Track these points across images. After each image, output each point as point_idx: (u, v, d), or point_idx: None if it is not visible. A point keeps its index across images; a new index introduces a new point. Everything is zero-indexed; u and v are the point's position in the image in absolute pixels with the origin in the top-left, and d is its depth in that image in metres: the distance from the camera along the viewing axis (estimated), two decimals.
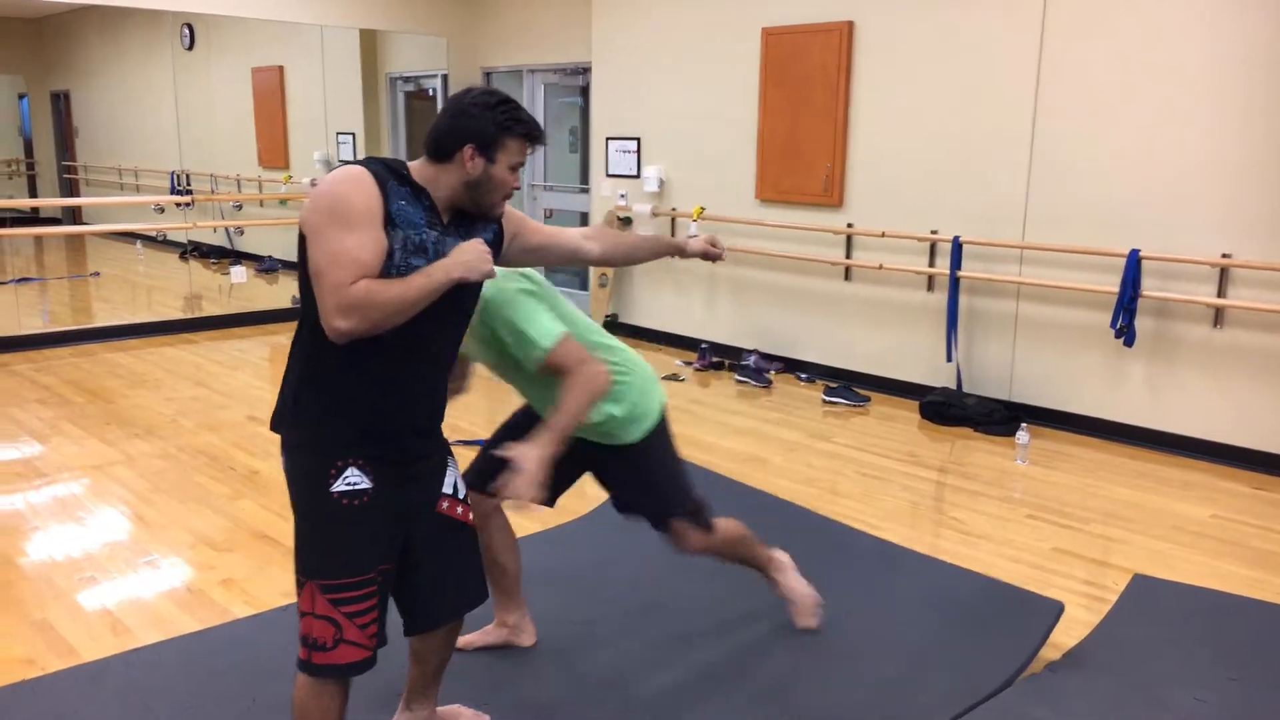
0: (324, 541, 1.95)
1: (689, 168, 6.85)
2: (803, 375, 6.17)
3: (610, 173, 7.36)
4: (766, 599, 3.18)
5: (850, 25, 5.74)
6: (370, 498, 1.94)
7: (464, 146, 1.94)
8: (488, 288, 2.28)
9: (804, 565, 3.39)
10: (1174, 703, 2.59)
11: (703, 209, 6.67)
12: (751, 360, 6.19)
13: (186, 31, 11.45)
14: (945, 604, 3.14)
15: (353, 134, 9.52)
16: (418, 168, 1.97)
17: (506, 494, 2.07)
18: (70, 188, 15.29)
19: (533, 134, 2.01)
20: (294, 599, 2.02)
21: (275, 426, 2.01)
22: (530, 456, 2.11)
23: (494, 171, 1.97)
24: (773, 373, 6.18)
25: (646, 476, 2.68)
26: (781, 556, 3.01)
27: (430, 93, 9.05)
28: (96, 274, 10.53)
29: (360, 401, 1.93)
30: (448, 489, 2.14)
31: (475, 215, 2.03)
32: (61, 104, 15.52)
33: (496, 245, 2.11)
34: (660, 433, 2.64)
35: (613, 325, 7.45)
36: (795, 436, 5.04)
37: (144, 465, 4.50)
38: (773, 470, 4.49)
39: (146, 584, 3.33)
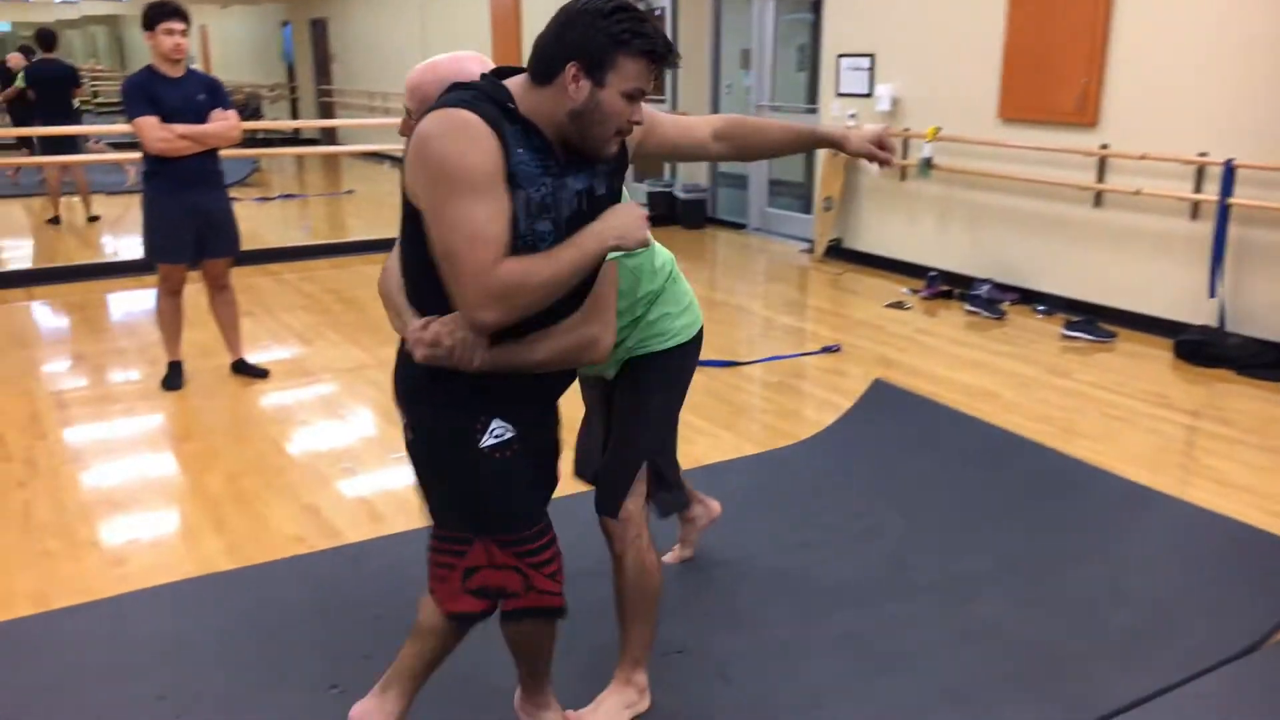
0: (487, 499, 1.81)
1: (925, 86, 6.52)
2: (1040, 307, 5.82)
3: (840, 92, 7.12)
4: (996, 532, 3.08)
5: None
6: (517, 444, 1.79)
7: (567, 65, 1.58)
8: None
9: (1036, 503, 3.26)
10: None
11: (938, 129, 6.35)
12: (984, 290, 5.90)
13: None
14: (1193, 551, 2.93)
15: None
16: (520, 93, 1.63)
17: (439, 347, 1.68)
18: (326, 110, 16.46)
19: (657, 51, 1.61)
20: None
21: (406, 398, 1.82)
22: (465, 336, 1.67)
23: (603, 98, 1.59)
24: (1007, 304, 5.86)
25: (655, 390, 2.22)
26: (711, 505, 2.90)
27: (659, 13, 9.01)
28: (350, 191, 11.32)
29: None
30: None
31: (582, 153, 1.67)
32: (319, 31, 16.63)
33: (621, 167, 1.80)
34: (692, 351, 2.29)
35: (836, 250, 7.30)
36: (1030, 371, 4.79)
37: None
38: (1004, 405, 4.30)
39: (397, 477, 3.62)
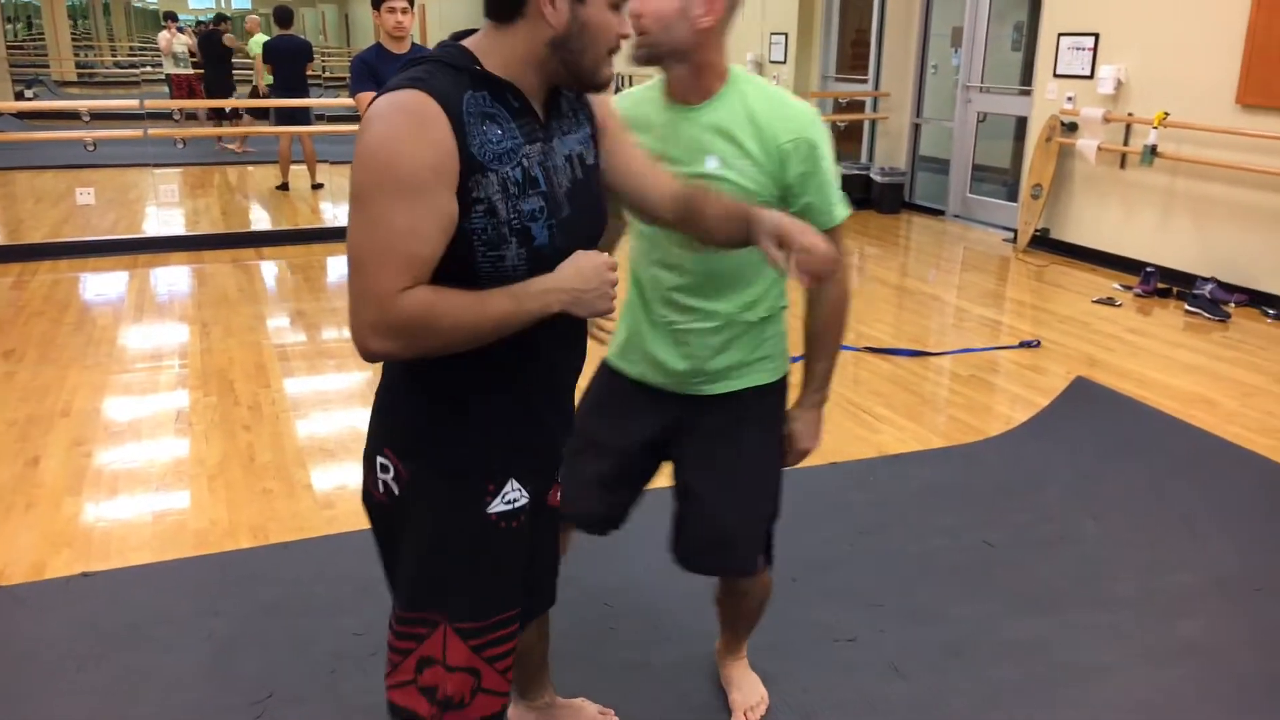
0: (474, 575, 1.48)
1: (1153, 67, 6.08)
2: (1271, 311, 5.35)
3: (1058, 73, 6.74)
4: (1206, 548, 2.88)
5: None
6: (527, 514, 1.51)
7: None
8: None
9: (1255, 521, 3.03)
10: None
11: (1165, 115, 5.91)
12: (1207, 289, 5.47)
13: None
14: None
15: (785, 34, 9.54)
16: (484, 46, 1.35)
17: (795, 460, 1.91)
18: None
19: None
20: None
21: (399, 445, 1.48)
22: (809, 426, 1.90)
23: (586, 14, 1.32)
24: (1232, 305, 5.42)
25: (769, 445, 1.89)
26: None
27: None
28: None
29: (515, 403, 1.46)
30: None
31: (576, 87, 1.42)
32: None
33: (593, 139, 1.48)
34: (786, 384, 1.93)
35: (1042, 240, 6.93)
36: (1255, 380, 4.41)
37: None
38: (1222, 414, 3.98)
39: None
